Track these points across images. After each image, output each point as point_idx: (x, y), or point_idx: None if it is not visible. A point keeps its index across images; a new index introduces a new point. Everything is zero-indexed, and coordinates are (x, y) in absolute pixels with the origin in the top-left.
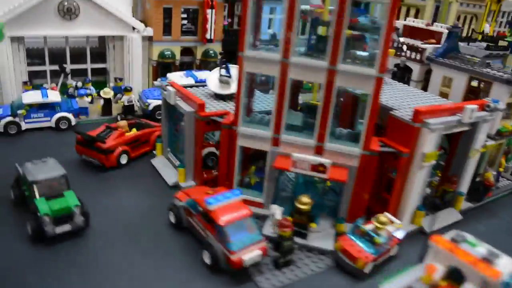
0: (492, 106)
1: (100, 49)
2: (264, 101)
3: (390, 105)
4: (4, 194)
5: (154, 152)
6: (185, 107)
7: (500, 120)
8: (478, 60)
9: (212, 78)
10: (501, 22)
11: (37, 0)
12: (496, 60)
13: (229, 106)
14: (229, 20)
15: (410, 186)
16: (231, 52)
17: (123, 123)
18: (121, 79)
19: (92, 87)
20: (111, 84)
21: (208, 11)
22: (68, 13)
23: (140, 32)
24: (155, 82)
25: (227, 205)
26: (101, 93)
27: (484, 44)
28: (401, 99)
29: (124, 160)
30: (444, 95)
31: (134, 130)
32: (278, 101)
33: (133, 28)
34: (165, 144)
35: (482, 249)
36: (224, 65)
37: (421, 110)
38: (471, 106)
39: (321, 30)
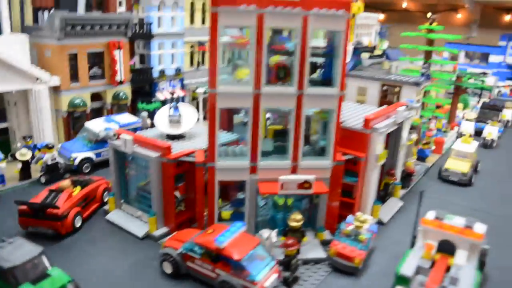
0: (410, 105)
1: None
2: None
3: None
4: None
5: (105, 207)
6: (148, 153)
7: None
8: (379, 69)
9: (160, 118)
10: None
11: None
12: (377, 66)
13: (184, 145)
14: (134, 59)
15: (367, 185)
16: (137, 92)
17: (67, 183)
18: (30, 137)
19: None
20: (19, 145)
21: (116, 52)
22: None
23: (46, 83)
24: (100, 133)
25: (235, 239)
26: (18, 155)
27: (367, 54)
28: None
29: (78, 222)
30: (360, 102)
31: (78, 188)
32: (253, 130)
33: (37, 79)
34: (118, 197)
35: (459, 220)
36: (173, 105)
37: (370, 118)
38: (401, 107)
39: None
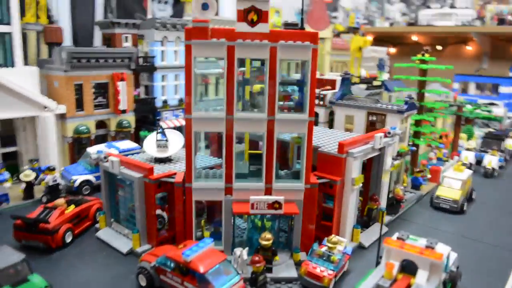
0: (392, 132)
1: (3, 132)
2: (201, 159)
3: (315, 144)
4: None
5: (97, 225)
6: (132, 173)
7: (397, 143)
8: (369, 98)
9: (149, 143)
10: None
11: None
12: (375, 96)
13: (170, 168)
14: (138, 90)
15: (345, 209)
16: (140, 121)
17: (61, 201)
18: (36, 160)
19: (6, 172)
20: (26, 167)
21: (119, 83)
22: None
23: (53, 110)
24: (92, 156)
25: (202, 254)
26: (22, 176)
27: (364, 85)
28: (319, 138)
29: (69, 238)
30: (348, 130)
31: (72, 207)
32: (227, 153)
33: (44, 107)
34: (108, 215)
35: (422, 241)
36: (160, 130)
37: (344, 143)
38: (379, 134)
39: (254, 88)
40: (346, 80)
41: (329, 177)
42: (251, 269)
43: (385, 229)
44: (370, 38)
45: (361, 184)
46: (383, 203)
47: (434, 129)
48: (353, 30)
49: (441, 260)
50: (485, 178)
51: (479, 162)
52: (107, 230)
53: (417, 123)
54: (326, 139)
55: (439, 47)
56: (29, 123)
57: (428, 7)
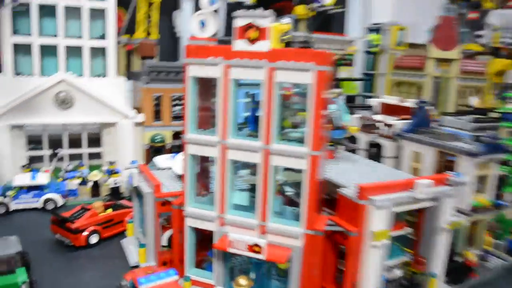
0: (453, 180)
1: (93, 135)
2: None
3: (339, 182)
4: None
5: (126, 233)
6: (145, 188)
7: (472, 194)
8: (451, 135)
9: (176, 161)
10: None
11: (35, 92)
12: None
13: None
14: None
15: (363, 266)
16: None
17: (98, 204)
18: (113, 163)
19: (84, 170)
20: (105, 168)
21: None
22: (64, 104)
23: (131, 119)
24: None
25: (158, 286)
26: (89, 176)
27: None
28: (358, 176)
29: (94, 240)
30: (416, 170)
31: (109, 211)
32: (221, 180)
33: (126, 115)
34: (136, 225)
35: None
36: None
37: (366, 187)
38: (424, 181)
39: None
40: (422, 109)
41: (342, 225)
42: None
43: None
44: None
45: (385, 241)
46: (436, 267)
47: None
48: (494, 50)
49: None
50: None
51: None
52: (131, 238)
53: None
54: (365, 179)
55: None
56: (112, 128)
57: None
